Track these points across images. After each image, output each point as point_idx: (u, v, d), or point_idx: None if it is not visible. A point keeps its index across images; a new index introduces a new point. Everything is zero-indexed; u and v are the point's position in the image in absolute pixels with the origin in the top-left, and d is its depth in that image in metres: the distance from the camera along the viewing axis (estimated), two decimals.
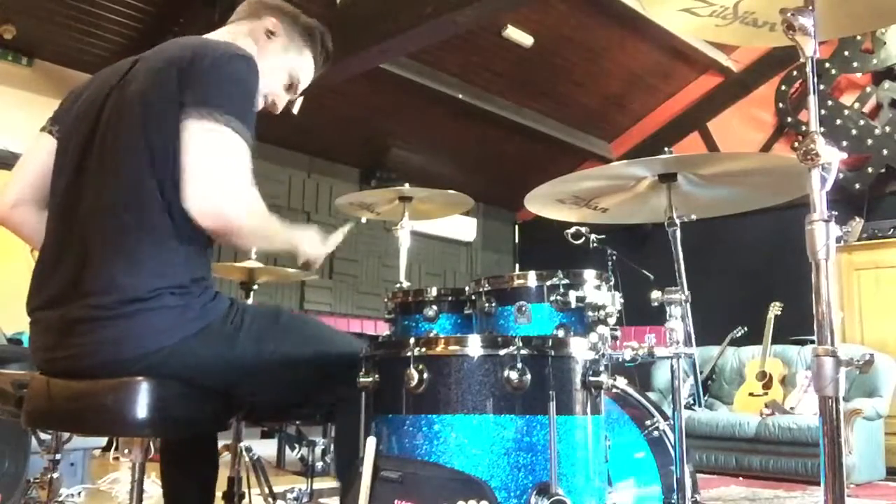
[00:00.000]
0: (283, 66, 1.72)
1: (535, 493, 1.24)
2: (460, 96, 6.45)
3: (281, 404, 1.68)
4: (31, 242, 1.65)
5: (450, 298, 2.03)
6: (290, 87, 1.76)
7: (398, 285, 2.55)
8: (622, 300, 1.86)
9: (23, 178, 1.63)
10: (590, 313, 1.75)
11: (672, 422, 1.67)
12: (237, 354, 1.44)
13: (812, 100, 1.23)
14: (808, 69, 1.23)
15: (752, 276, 6.51)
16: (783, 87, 6.72)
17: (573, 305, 1.73)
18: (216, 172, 1.35)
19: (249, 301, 2.69)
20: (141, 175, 1.40)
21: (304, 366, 1.51)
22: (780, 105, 6.74)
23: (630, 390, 1.90)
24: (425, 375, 1.30)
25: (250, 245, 1.49)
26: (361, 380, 1.37)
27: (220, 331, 1.43)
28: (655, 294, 1.66)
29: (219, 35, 1.66)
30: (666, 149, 1.75)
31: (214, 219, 1.34)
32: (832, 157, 1.18)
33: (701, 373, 5.48)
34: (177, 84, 1.40)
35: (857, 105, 6.24)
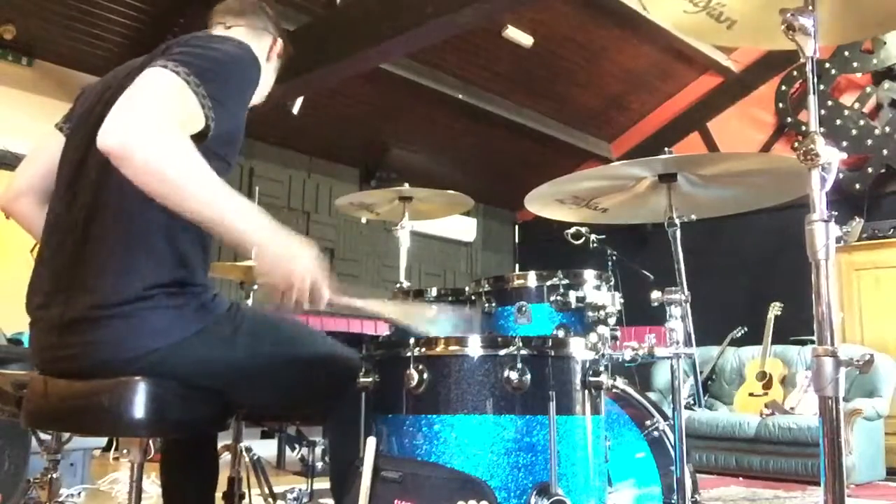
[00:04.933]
0: (266, 87, 1.75)
1: (535, 493, 1.24)
2: (460, 96, 6.45)
3: (278, 407, 1.68)
4: (33, 233, 1.65)
5: (450, 298, 2.03)
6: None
7: (398, 285, 2.55)
8: (622, 300, 1.85)
9: (31, 170, 1.63)
10: (590, 313, 1.75)
11: (672, 422, 1.67)
12: (235, 355, 1.44)
13: (812, 100, 1.23)
14: (808, 69, 1.23)
15: (752, 276, 6.51)
16: (783, 87, 6.72)
17: (573, 305, 1.73)
18: (137, 101, 1.22)
19: (249, 301, 2.69)
20: None
21: (302, 371, 1.51)
22: (780, 105, 6.74)
23: (630, 390, 1.90)
24: (425, 375, 1.30)
25: (159, 190, 1.22)
26: (361, 380, 1.37)
27: (218, 332, 1.43)
28: (655, 294, 1.66)
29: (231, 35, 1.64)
30: (666, 149, 1.75)
31: (111, 143, 1.18)
32: (832, 157, 1.18)
33: (701, 373, 5.48)
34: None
35: (857, 105, 6.24)
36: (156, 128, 1.20)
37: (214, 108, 1.31)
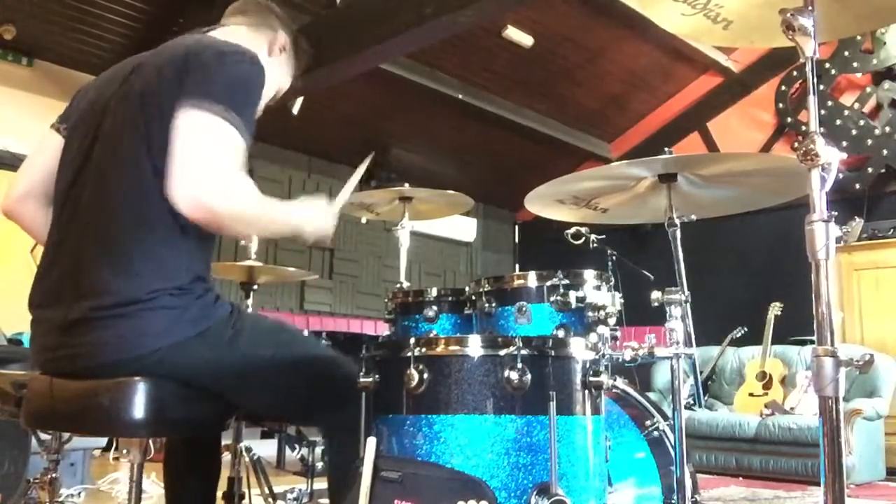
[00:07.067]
0: (278, 82, 1.75)
1: (535, 493, 1.24)
2: (460, 96, 6.45)
3: (277, 410, 1.68)
4: (35, 236, 1.65)
5: (450, 299, 2.03)
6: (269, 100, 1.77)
7: (398, 285, 2.55)
8: (622, 300, 1.85)
9: (31, 173, 1.63)
10: (590, 313, 1.74)
11: (672, 422, 1.67)
12: (236, 358, 1.44)
13: (812, 100, 1.22)
14: (808, 69, 1.23)
15: (752, 276, 6.52)
16: (783, 88, 6.72)
17: (573, 306, 1.73)
18: (199, 159, 1.32)
19: (249, 301, 2.69)
20: (143, 177, 1.40)
21: (301, 376, 1.51)
22: (780, 105, 6.74)
23: (630, 390, 1.89)
24: (425, 376, 1.30)
25: (242, 233, 1.47)
26: (362, 380, 1.37)
27: (219, 334, 1.43)
28: (655, 294, 1.66)
29: (230, 35, 1.64)
30: (666, 149, 1.75)
31: (194, 207, 1.31)
32: (832, 157, 1.18)
33: (701, 373, 5.48)
34: (177, 79, 1.40)
35: (857, 105, 6.24)
36: (227, 185, 1.33)
37: (246, 129, 1.39)
